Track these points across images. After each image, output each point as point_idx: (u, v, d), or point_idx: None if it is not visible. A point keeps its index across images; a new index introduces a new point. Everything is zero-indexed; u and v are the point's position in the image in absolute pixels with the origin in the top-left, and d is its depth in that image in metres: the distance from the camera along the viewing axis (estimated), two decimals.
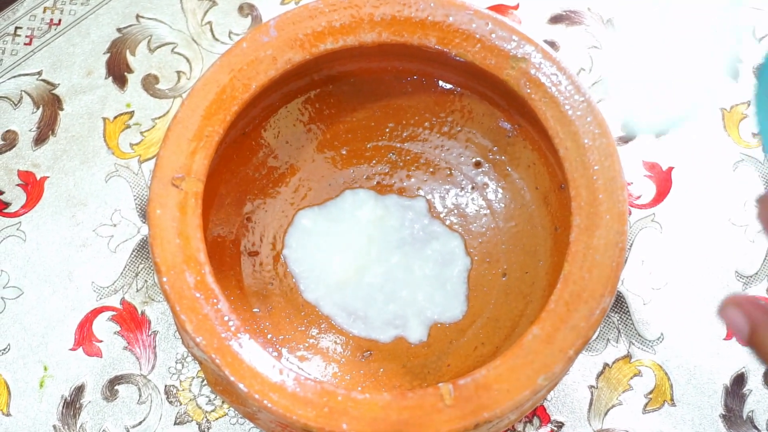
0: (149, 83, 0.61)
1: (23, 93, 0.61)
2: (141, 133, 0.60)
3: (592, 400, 0.55)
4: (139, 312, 0.56)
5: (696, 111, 0.36)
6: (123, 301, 0.57)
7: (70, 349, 0.56)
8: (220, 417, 0.54)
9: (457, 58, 0.47)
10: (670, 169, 0.60)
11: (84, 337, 0.56)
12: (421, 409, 0.41)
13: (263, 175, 0.54)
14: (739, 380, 0.55)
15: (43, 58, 0.62)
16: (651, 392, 0.55)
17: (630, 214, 0.58)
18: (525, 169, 0.53)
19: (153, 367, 0.55)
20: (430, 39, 0.47)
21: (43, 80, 0.61)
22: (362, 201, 0.55)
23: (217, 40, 0.63)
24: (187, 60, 0.62)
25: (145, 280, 0.57)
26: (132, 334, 0.56)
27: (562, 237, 0.50)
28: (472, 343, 0.52)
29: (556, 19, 0.63)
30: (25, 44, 0.62)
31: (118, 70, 0.62)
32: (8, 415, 0.54)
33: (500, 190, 0.54)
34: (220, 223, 0.52)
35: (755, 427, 0.54)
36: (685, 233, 0.58)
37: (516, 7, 0.63)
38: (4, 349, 0.56)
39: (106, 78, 0.61)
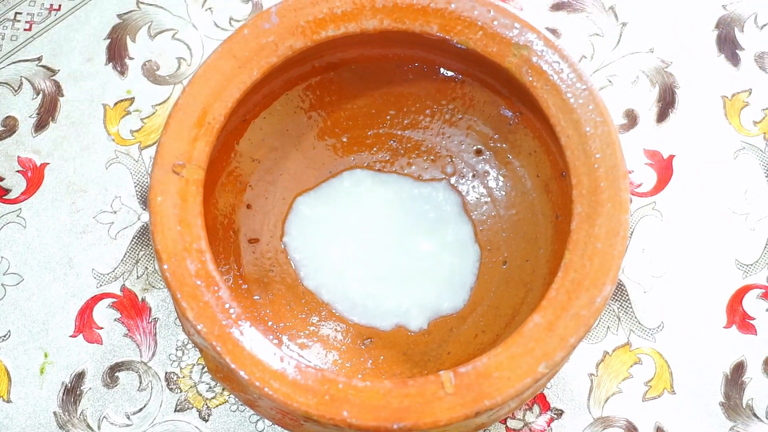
0: (150, 69, 0.61)
1: (23, 79, 0.61)
2: (141, 119, 0.60)
3: (592, 388, 0.55)
4: (140, 299, 0.56)
5: None
6: (123, 288, 0.57)
7: (71, 336, 0.56)
8: (220, 404, 0.55)
9: (459, 46, 0.47)
10: (671, 157, 0.60)
11: (84, 324, 0.56)
12: (422, 397, 0.41)
13: (264, 162, 0.54)
14: (739, 368, 0.55)
15: (43, 44, 0.62)
16: (651, 380, 0.55)
17: (631, 202, 0.58)
18: (526, 156, 0.53)
19: (153, 354, 0.55)
20: (432, 26, 0.47)
21: (43, 66, 0.61)
22: (360, 180, 0.55)
23: (217, 26, 0.62)
24: (188, 46, 0.62)
25: (146, 267, 0.57)
26: (132, 321, 0.56)
27: (563, 225, 0.50)
28: (472, 331, 0.52)
29: (557, 6, 0.63)
30: (25, 30, 0.62)
31: (118, 57, 0.61)
32: (9, 401, 0.54)
33: (501, 178, 0.54)
34: (221, 211, 0.52)
35: (755, 415, 0.54)
36: (686, 221, 0.58)
37: None
38: (4, 336, 0.56)
39: (106, 64, 0.61)
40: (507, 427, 0.54)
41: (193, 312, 0.42)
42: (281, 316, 0.52)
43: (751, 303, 0.57)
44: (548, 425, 0.54)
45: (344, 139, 0.55)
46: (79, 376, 0.55)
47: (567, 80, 0.46)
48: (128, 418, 0.54)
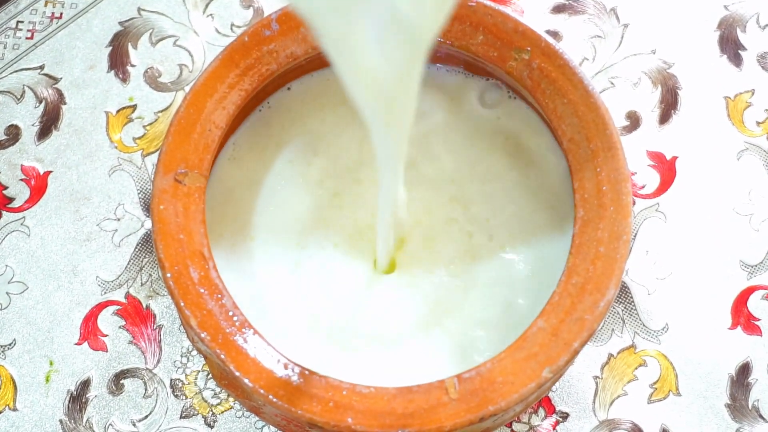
0: (152, 76, 0.61)
1: (25, 87, 0.61)
2: (144, 126, 0.60)
3: (597, 390, 0.55)
4: (144, 306, 0.57)
5: None
6: (128, 296, 0.57)
7: (76, 344, 0.56)
8: (225, 410, 0.55)
9: (460, 51, 0.47)
10: (674, 158, 0.59)
11: (89, 332, 0.56)
12: (427, 403, 0.41)
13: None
14: (745, 370, 0.55)
15: (44, 52, 0.62)
16: (656, 382, 0.55)
17: (634, 204, 0.58)
18: None
19: (158, 361, 0.55)
20: None
21: (46, 74, 0.61)
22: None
23: (219, 32, 0.62)
24: (189, 53, 0.62)
25: (150, 274, 0.57)
26: (137, 328, 0.56)
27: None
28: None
29: (558, 9, 0.63)
30: (26, 38, 0.62)
31: (120, 64, 0.62)
32: (15, 409, 0.54)
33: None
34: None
35: (761, 417, 0.54)
36: (690, 223, 0.58)
37: None
38: (9, 345, 0.56)
39: (108, 71, 0.61)
40: (512, 430, 0.54)
41: (197, 320, 0.42)
42: None
43: (756, 304, 0.56)
44: (554, 428, 0.54)
45: None
46: (85, 384, 0.55)
47: (568, 84, 0.46)
48: (134, 425, 0.54)
